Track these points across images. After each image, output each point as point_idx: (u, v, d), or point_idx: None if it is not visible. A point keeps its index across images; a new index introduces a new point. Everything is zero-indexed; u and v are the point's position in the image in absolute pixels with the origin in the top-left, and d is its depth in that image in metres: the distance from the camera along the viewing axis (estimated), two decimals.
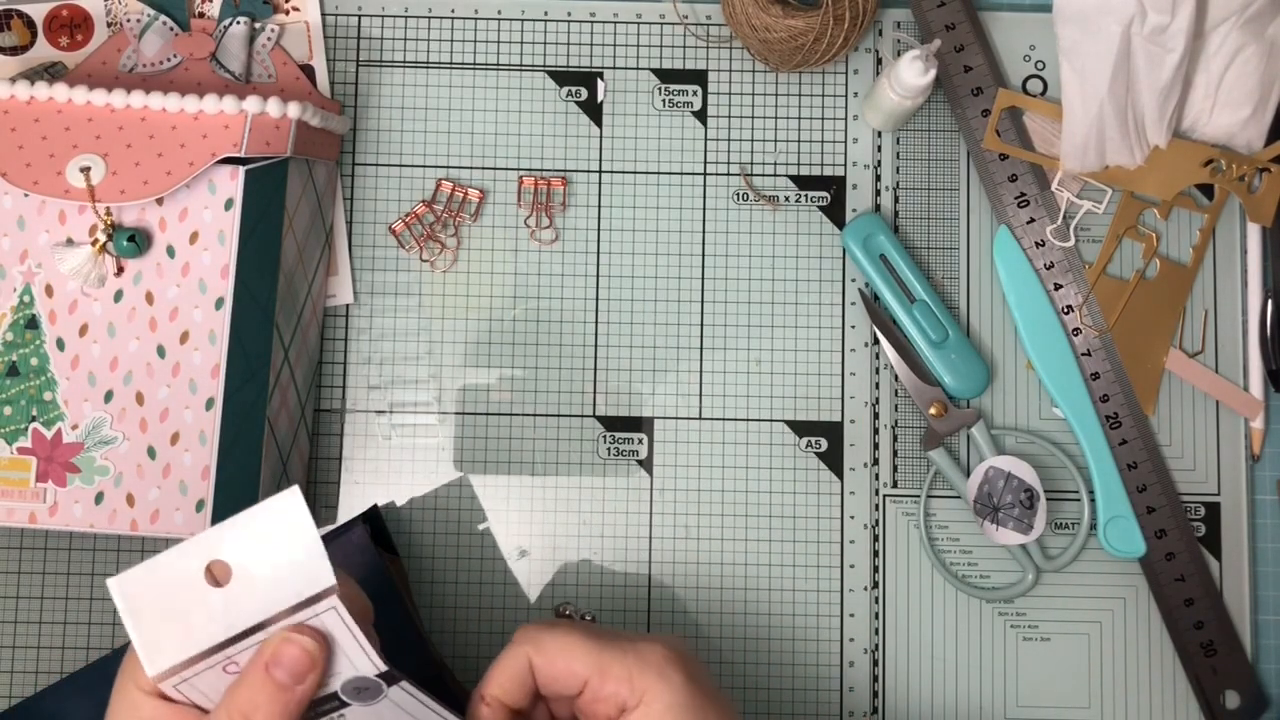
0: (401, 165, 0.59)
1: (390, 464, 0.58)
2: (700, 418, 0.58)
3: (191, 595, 0.35)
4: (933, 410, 0.57)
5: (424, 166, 0.59)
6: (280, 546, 0.35)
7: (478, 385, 0.58)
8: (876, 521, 0.58)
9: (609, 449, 0.58)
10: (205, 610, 0.35)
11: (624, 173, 0.60)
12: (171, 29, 0.58)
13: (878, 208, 0.60)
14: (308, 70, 0.59)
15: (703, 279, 0.59)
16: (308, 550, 0.35)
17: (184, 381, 0.51)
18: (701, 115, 0.60)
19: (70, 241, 0.52)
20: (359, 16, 0.60)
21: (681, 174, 0.60)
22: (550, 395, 0.58)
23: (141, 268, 0.52)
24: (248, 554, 0.35)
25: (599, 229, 0.59)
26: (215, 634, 0.35)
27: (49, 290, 0.52)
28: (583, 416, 0.58)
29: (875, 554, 0.57)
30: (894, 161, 0.60)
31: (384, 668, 0.36)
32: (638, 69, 0.60)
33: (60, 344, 0.51)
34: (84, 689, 0.52)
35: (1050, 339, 0.58)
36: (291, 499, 0.35)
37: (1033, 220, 0.58)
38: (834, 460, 0.58)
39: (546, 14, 0.60)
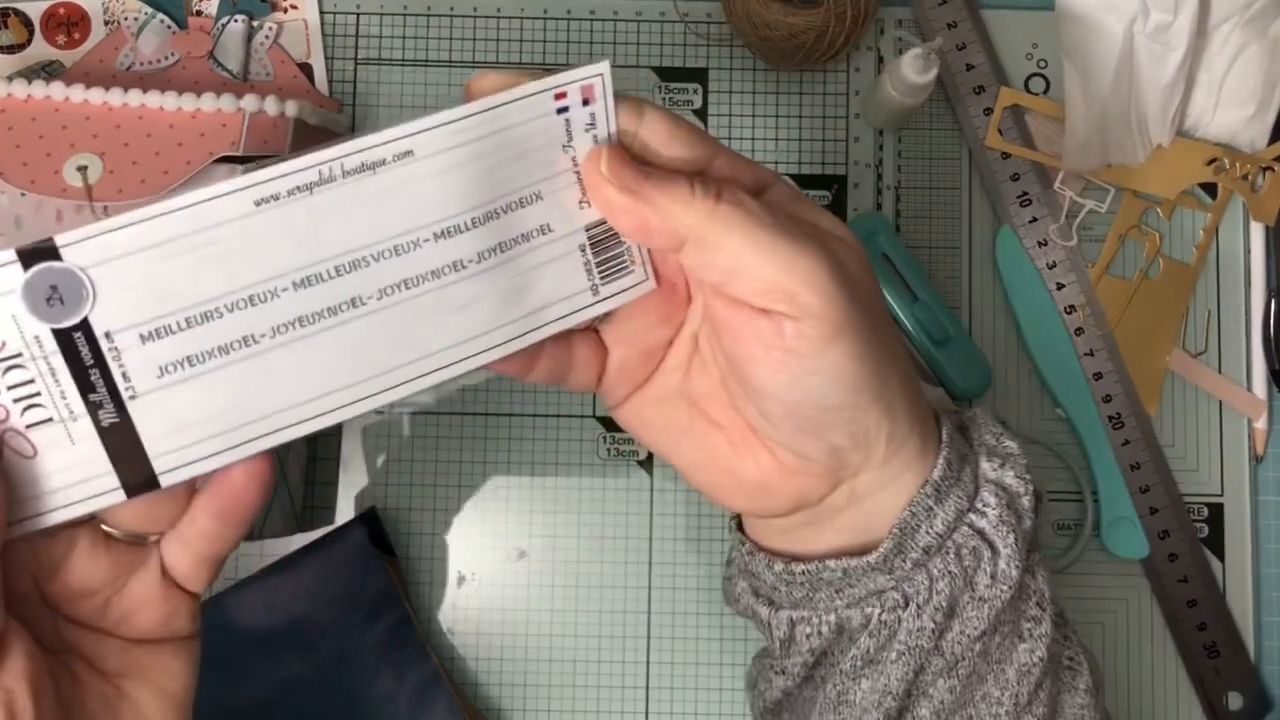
0: None
1: (390, 464, 0.58)
2: None
3: None
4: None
5: None
6: None
7: (478, 385, 0.58)
8: None
9: (609, 449, 0.58)
10: None
11: None
12: (169, 27, 0.58)
13: (879, 207, 0.59)
14: (306, 68, 0.59)
15: None
16: None
17: None
18: (702, 114, 0.60)
19: None
20: (357, 14, 0.60)
21: None
22: (550, 395, 0.58)
23: None
24: None
25: None
26: None
27: None
28: (583, 417, 0.58)
29: None
30: (895, 160, 0.59)
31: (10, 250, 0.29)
32: (638, 67, 0.60)
33: None
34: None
35: (1052, 339, 0.57)
36: None
37: (1035, 219, 0.58)
38: None
39: (546, 12, 0.60)
